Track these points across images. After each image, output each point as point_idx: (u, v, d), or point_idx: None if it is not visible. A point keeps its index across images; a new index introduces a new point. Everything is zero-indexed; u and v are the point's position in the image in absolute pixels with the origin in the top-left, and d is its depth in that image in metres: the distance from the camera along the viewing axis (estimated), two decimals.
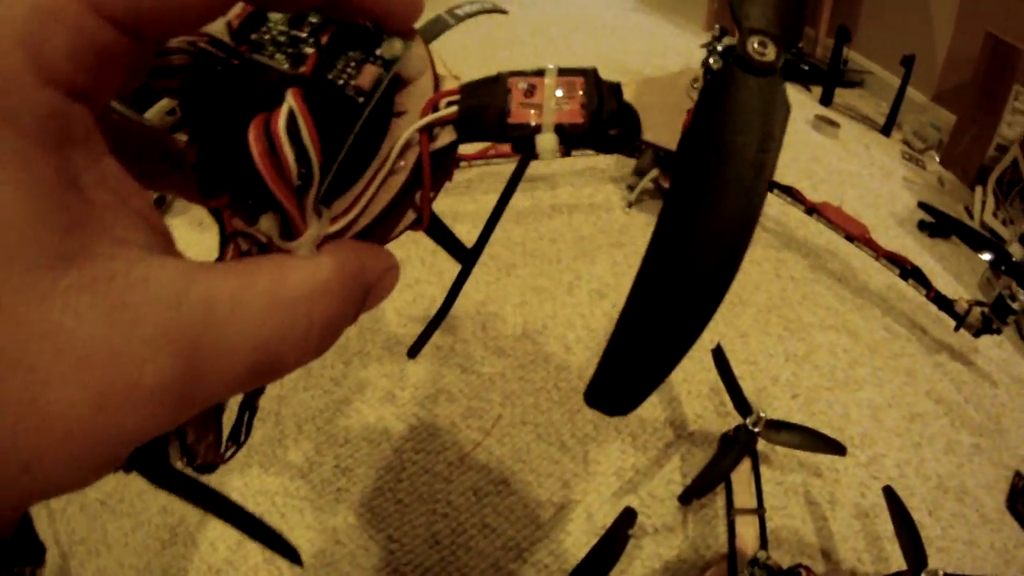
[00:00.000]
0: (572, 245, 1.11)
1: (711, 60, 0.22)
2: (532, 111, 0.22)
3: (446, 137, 0.23)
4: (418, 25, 0.22)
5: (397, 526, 0.77)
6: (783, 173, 1.22)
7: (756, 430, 0.71)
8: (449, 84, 0.23)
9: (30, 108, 0.12)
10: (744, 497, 0.73)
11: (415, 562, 0.74)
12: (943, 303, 1.00)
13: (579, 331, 0.96)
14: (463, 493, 0.81)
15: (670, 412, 0.87)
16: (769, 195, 1.13)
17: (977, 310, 0.96)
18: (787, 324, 0.99)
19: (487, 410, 0.87)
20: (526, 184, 1.22)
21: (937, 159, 1.48)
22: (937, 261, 1.20)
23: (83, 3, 0.13)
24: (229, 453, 0.35)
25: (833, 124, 1.46)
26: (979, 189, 1.33)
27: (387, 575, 0.74)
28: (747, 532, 0.70)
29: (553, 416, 0.87)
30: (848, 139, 1.45)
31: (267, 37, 0.21)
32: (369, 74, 0.21)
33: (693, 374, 0.91)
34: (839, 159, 1.39)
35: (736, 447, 0.72)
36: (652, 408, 0.87)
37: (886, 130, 1.53)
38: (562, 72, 0.23)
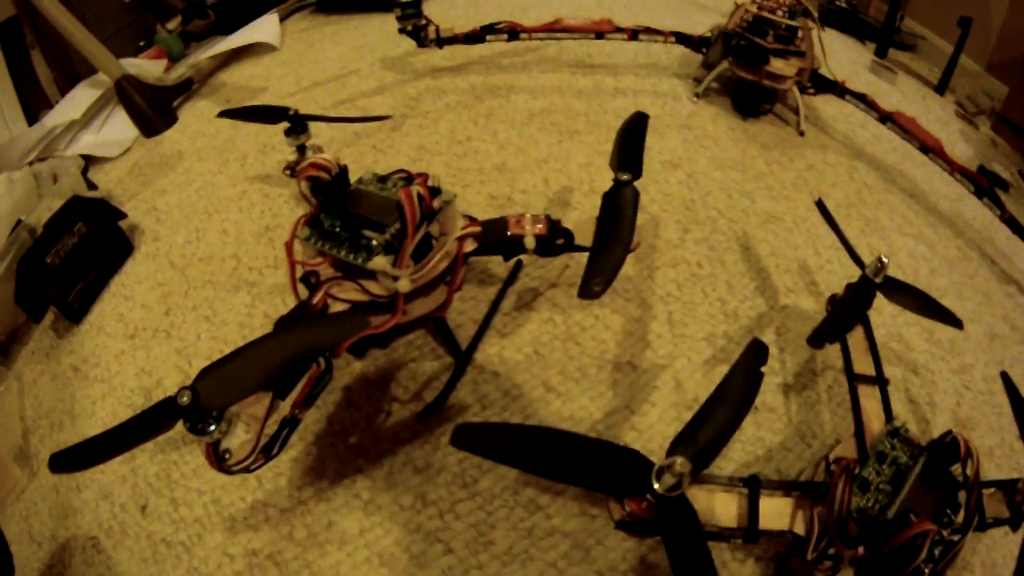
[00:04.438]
0: None
1: None
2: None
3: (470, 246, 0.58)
4: None
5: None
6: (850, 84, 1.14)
7: (877, 280, 0.62)
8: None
9: None
10: (863, 363, 0.64)
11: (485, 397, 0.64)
12: (1017, 227, 0.95)
13: (652, 194, 0.86)
14: (520, 349, 0.69)
15: (759, 282, 0.77)
16: (840, 102, 1.06)
17: None
18: (866, 222, 0.91)
19: (551, 260, 0.76)
20: (586, 68, 1.13)
21: (989, 124, 1.44)
22: None
23: None
24: (256, 464, 0.44)
25: (891, 70, 1.41)
26: None
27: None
28: (870, 406, 0.61)
29: (630, 271, 0.77)
30: (904, 87, 1.40)
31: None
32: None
33: (779, 249, 0.82)
34: (897, 101, 1.34)
35: (855, 297, 0.63)
36: (740, 276, 0.78)
37: (940, 90, 1.49)
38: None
